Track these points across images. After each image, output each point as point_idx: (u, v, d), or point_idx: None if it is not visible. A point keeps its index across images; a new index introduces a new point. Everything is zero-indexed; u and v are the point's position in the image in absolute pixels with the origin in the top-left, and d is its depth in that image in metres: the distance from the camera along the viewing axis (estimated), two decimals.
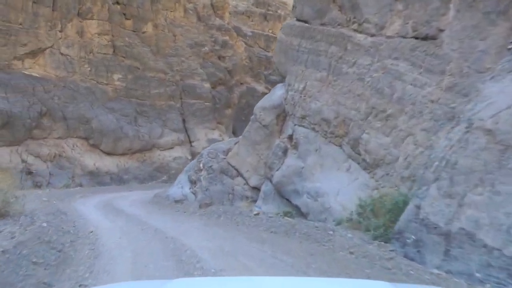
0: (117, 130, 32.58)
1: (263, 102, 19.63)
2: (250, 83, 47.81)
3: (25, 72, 31.49)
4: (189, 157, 36.15)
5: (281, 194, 15.75)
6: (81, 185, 29.61)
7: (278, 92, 18.89)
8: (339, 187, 12.88)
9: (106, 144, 32.06)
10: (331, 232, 10.29)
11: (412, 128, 11.74)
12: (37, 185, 28.35)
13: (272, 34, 52.01)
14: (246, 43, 49.36)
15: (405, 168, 11.37)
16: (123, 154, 32.97)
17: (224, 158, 20.38)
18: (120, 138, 32.57)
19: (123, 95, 35.08)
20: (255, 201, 17.74)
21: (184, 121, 37.73)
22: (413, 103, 11.94)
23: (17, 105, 29.28)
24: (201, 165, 21.01)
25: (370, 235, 9.46)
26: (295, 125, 16.30)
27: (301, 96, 16.28)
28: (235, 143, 21.06)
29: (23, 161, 28.70)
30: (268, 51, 51.40)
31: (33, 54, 32.06)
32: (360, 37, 14.61)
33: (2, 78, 29.81)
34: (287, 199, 15.35)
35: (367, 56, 13.99)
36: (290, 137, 16.54)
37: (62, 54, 33.12)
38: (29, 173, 28.61)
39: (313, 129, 15.24)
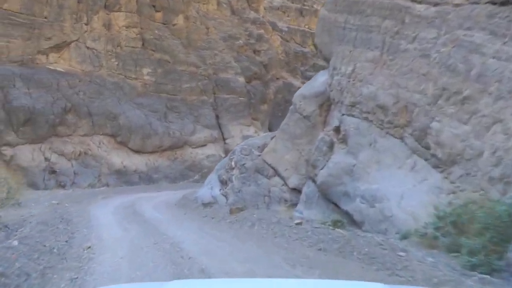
0: (146, 127, 30.26)
1: (303, 90, 16.89)
2: (286, 78, 45.13)
3: (50, 67, 29.48)
4: (223, 155, 33.55)
5: (327, 197, 12.96)
6: (107, 185, 27.40)
7: (321, 78, 16.12)
8: (402, 190, 10.02)
9: (135, 142, 29.78)
10: (402, 254, 7.47)
11: (499, 112, 8.85)
12: (61, 185, 26.26)
13: (308, 30, 49.46)
14: (282, 37, 46.69)
15: (493, 165, 8.48)
16: (152, 152, 30.64)
17: (259, 155, 17.66)
18: (149, 135, 30.24)
19: (153, 90, 32.77)
20: (295, 204, 15.04)
21: (217, 117, 35.22)
22: (499, 80, 9.05)
23: (40, 101, 27.26)
24: (233, 163, 18.35)
25: (461, 261, 6.59)
26: (342, 114, 13.49)
27: (349, 81, 13.46)
28: (272, 138, 18.35)
29: (46, 159, 26.63)
30: (304, 47, 48.81)
31: (58, 48, 30.02)
32: (420, 7, 11.82)
33: (25, 73, 27.82)
34: (335, 204, 12.56)
35: (431, 29, 11.16)
36: (337, 129, 13.74)
37: (88, 47, 30.99)
38: (53, 172, 26.53)
39: (366, 118, 12.41)
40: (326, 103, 15.19)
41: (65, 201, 17.77)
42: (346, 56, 13.97)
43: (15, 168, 25.42)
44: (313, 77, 18.69)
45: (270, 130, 38.71)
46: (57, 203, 16.01)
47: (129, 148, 29.81)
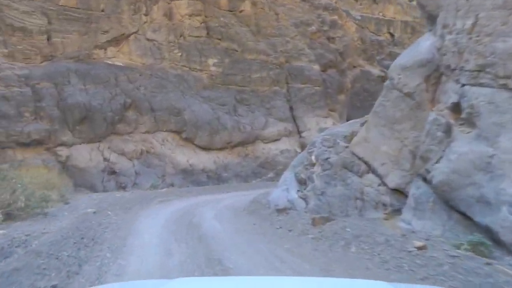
0: (213, 122, 26.83)
1: (402, 60, 12.58)
2: (364, 66, 40.77)
3: (108, 62, 26.77)
4: (298, 150, 29.58)
5: (450, 203, 8.61)
6: (172, 185, 24.14)
7: (424, 43, 11.79)
8: None
9: (201, 138, 26.39)
10: None
11: None
12: (121, 186, 23.29)
13: (382, 17, 44.98)
14: (356, 24, 42.35)
15: None
16: (221, 149, 27.14)
17: (347, 147, 13.50)
18: (217, 130, 26.77)
19: (220, 81, 29.36)
20: (397, 210, 10.91)
21: (291, 108, 31.29)
22: None
23: (97, 97, 24.51)
24: (313, 157, 14.20)
25: None
26: (463, 85, 9.11)
27: (470, 37, 9.08)
28: (362, 124, 14.20)
29: (105, 159, 23.77)
30: (379, 35, 44.23)
31: (116, 41, 27.30)
32: None
33: (80, 69, 25.23)
34: (462, 213, 8.25)
35: None
36: (455, 107, 9.37)
37: (148, 39, 28.08)
38: (112, 172, 23.61)
39: (504, 86, 8.09)
40: (434, 74, 10.86)
41: (114, 207, 14.41)
42: (461, 7, 9.61)
43: (71, 169, 22.72)
44: (413, 43, 14.42)
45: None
46: (94, 212, 12.54)
47: (196, 145, 26.48)
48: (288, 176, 15.57)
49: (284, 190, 14.69)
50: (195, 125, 26.23)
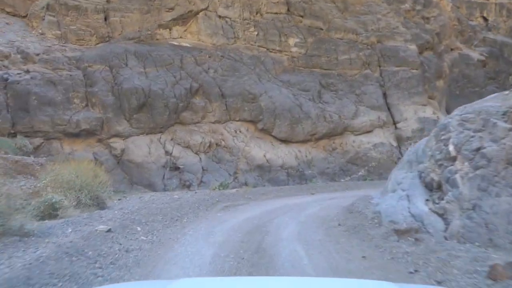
0: (295, 110, 21.86)
1: None
2: (462, 49, 34.30)
3: (173, 43, 22.52)
4: (394, 144, 24.12)
5: None
6: (245, 184, 19.41)
7: None
8: None
9: (281, 128, 21.49)
10: None
11: None
12: (185, 185, 18.90)
13: (475, 0, 38.28)
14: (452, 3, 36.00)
15: None
16: (304, 142, 22.10)
17: None
18: (299, 119, 21.76)
19: (302, 64, 24.39)
20: None
21: (384, 95, 25.71)
22: None
23: (158, 81, 20.29)
24: (450, 147, 8.55)
25: None
26: None
27: None
28: None
29: (166, 153, 19.45)
30: (471, 20, 37.52)
31: (183, 20, 23.11)
32: None
33: (140, 50, 21.22)
34: None
35: None
36: None
37: (219, 17, 23.64)
38: (175, 168, 19.25)
39: None
40: None
41: (157, 216, 9.71)
42: None
43: (127, 164, 18.57)
44: None
45: (448, 112, 28.44)
46: (107, 230, 7.64)
47: (274, 137, 21.62)
48: (403, 176, 10.16)
49: (401, 199, 9.35)
50: (273, 113, 21.38)
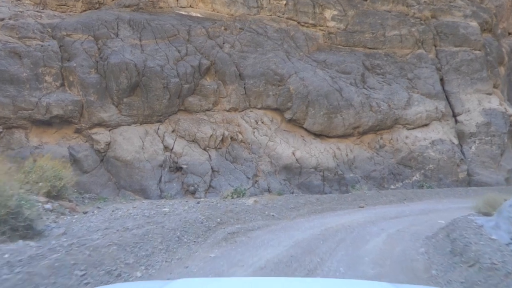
0: (333, 95, 16.78)
1: None
2: None
3: (181, 12, 17.73)
4: (455, 141, 18.90)
5: None
6: (268, 190, 14.61)
7: None
8: None
9: (315, 119, 16.46)
10: None
11: None
12: (189, 191, 14.16)
13: None
14: None
15: None
16: (344, 137, 17.05)
17: None
18: (338, 108, 16.69)
19: (341, 41, 19.34)
20: None
21: (441, 81, 20.45)
22: None
23: (157, 57, 15.54)
24: None
25: None
26: None
27: None
28: None
29: (166, 148, 14.70)
30: None
31: None
32: None
33: (136, 18, 16.48)
34: None
35: None
36: None
37: None
38: (177, 169, 14.55)
39: None
40: None
41: (87, 263, 4.95)
42: None
43: (113, 163, 13.93)
44: None
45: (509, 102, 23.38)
46: None
47: (306, 130, 16.62)
48: None
49: None
50: (305, 99, 16.38)
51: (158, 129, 14.98)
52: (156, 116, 15.02)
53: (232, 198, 12.92)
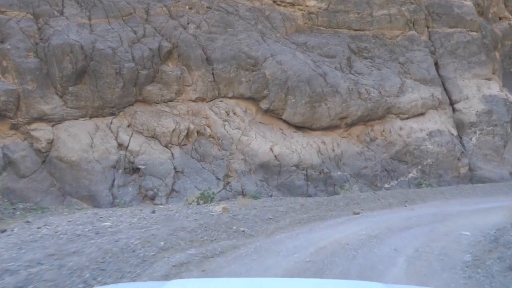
0: (316, 81, 14.91)
1: None
2: (511, 20, 27.43)
3: None
4: (454, 132, 17.28)
5: None
6: (242, 193, 12.75)
7: None
8: None
9: (295, 109, 14.59)
10: None
11: None
12: (148, 196, 12.31)
13: None
14: None
15: None
16: (329, 129, 15.24)
17: None
18: (322, 96, 14.86)
19: (323, 22, 17.55)
20: None
21: (436, 65, 18.77)
22: None
23: (108, 38, 13.61)
24: None
25: None
26: None
27: None
28: None
29: (120, 146, 12.80)
30: None
31: None
32: None
33: None
34: None
35: None
36: None
37: None
38: (133, 170, 12.63)
39: None
40: None
41: None
42: None
43: (56, 165, 11.91)
44: None
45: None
46: None
47: (285, 122, 14.76)
48: None
49: None
50: (283, 86, 14.51)
51: (111, 123, 12.98)
52: (108, 108, 13.02)
53: (198, 204, 11.04)
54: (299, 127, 14.76)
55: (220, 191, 12.55)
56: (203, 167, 13.07)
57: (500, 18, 26.55)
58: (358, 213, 9.44)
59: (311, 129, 14.87)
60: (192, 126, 13.51)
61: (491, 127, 17.75)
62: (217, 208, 9.36)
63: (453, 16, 19.78)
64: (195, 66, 14.28)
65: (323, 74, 15.11)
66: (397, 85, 16.56)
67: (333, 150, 14.73)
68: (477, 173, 16.73)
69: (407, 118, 16.48)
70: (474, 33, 20.05)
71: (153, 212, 9.72)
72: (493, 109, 18.18)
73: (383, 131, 15.80)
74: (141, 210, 10.21)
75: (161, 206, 11.01)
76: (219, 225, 7.42)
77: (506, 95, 19.62)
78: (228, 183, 12.98)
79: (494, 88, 19.55)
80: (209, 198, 11.35)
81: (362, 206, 10.12)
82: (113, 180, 12.15)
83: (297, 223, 8.07)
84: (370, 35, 17.94)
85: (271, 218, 8.32)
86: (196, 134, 13.56)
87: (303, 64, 15.07)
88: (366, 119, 15.61)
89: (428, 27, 19.55)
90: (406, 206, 10.72)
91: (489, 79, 19.79)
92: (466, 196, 12.65)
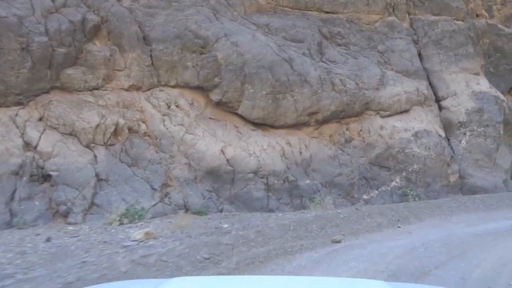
0: (279, 68, 12.45)
1: None
2: (487, 18, 25.98)
3: None
4: (441, 133, 15.20)
5: None
6: (185, 207, 10.33)
7: None
8: None
9: (254, 101, 12.12)
10: None
11: None
12: (59, 212, 9.67)
13: None
14: None
15: None
16: (296, 126, 12.83)
17: None
18: (288, 85, 12.44)
19: (289, 2, 15.16)
20: None
21: (419, 56, 16.64)
22: None
23: (14, 4, 10.84)
24: None
25: None
26: None
27: None
28: None
29: (27, 145, 10.09)
30: None
31: None
32: None
33: None
34: None
35: None
36: None
37: None
38: (43, 177, 9.89)
39: None
40: None
41: None
42: None
43: None
44: None
45: None
46: None
47: (241, 117, 12.25)
48: None
49: None
50: (239, 73, 12.03)
51: (16, 115, 10.26)
52: (12, 95, 10.30)
53: (121, 223, 8.49)
54: (258, 124, 12.27)
55: (155, 205, 10.01)
56: (134, 174, 10.47)
57: (477, 15, 25.01)
58: (339, 241, 7.06)
59: (274, 126, 12.40)
60: (122, 121, 10.89)
61: (483, 128, 15.75)
62: (137, 234, 6.77)
63: (437, 2, 17.84)
64: (129, 46, 11.67)
65: (289, 59, 12.69)
66: (377, 76, 14.29)
67: (301, 153, 12.30)
68: (468, 181, 14.67)
69: (389, 116, 14.23)
70: (460, 22, 18.17)
71: (48, 240, 7.09)
72: (484, 108, 16.20)
73: (361, 130, 13.49)
74: (37, 235, 7.57)
75: (70, 228, 8.37)
76: (116, 274, 4.84)
77: (496, 92, 17.72)
78: (166, 194, 10.42)
79: (484, 84, 17.63)
80: (137, 216, 8.78)
81: (342, 230, 7.73)
82: (14, 191, 9.44)
83: (249, 265, 5.56)
84: (344, 19, 15.66)
85: (207, 259, 5.71)
86: (127, 131, 10.94)
87: (265, 47, 12.61)
88: (340, 116, 13.26)
89: (409, 14, 17.47)
90: (399, 227, 8.44)
91: (477, 74, 17.88)
92: (466, 211, 10.51)
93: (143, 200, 9.92)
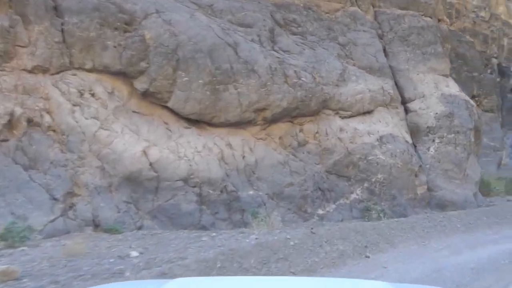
0: (221, 53, 10.63)
1: None
2: (448, 24, 25.72)
3: None
4: (408, 139, 13.71)
5: None
6: (93, 223, 8.16)
7: None
8: None
9: (188, 93, 10.19)
10: None
11: None
12: None
13: None
14: None
15: None
16: (239, 125, 10.95)
17: None
18: (231, 75, 10.63)
19: None
20: None
21: (385, 52, 15.14)
22: None
23: None
24: None
25: None
26: None
27: None
28: None
29: None
30: None
31: None
32: None
33: None
34: None
35: None
36: None
37: None
38: None
39: None
40: None
41: None
42: None
43: None
44: None
45: None
46: None
47: (172, 112, 10.27)
48: None
49: None
50: (171, 57, 10.12)
51: None
52: None
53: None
54: (193, 121, 10.34)
55: (54, 220, 7.94)
56: (31, 179, 8.34)
57: (439, 20, 24.28)
58: (295, 274, 5.23)
59: (212, 124, 10.50)
60: (19, 110, 8.74)
61: (453, 135, 14.39)
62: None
63: None
64: (35, 17, 9.52)
65: (233, 44, 10.83)
66: (337, 70, 12.64)
67: (244, 157, 10.44)
68: (436, 194, 13.27)
69: (350, 117, 12.61)
70: (428, 19, 17.11)
71: None
72: (454, 112, 14.90)
73: (317, 132, 11.77)
74: None
75: None
76: None
77: (466, 96, 16.49)
78: (71, 206, 8.35)
79: (453, 86, 16.44)
80: (19, 237, 6.67)
81: (292, 265, 5.88)
82: None
83: None
84: (301, 6, 14.00)
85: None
86: (25, 124, 8.79)
87: (205, 28, 10.71)
88: (293, 114, 11.50)
89: (373, 6, 16.04)
90: (368, 257, 6.71)
91: (446, 76, 16.63)
92: (445, 232, 9.03)
93: (39, 214, 7.83)
